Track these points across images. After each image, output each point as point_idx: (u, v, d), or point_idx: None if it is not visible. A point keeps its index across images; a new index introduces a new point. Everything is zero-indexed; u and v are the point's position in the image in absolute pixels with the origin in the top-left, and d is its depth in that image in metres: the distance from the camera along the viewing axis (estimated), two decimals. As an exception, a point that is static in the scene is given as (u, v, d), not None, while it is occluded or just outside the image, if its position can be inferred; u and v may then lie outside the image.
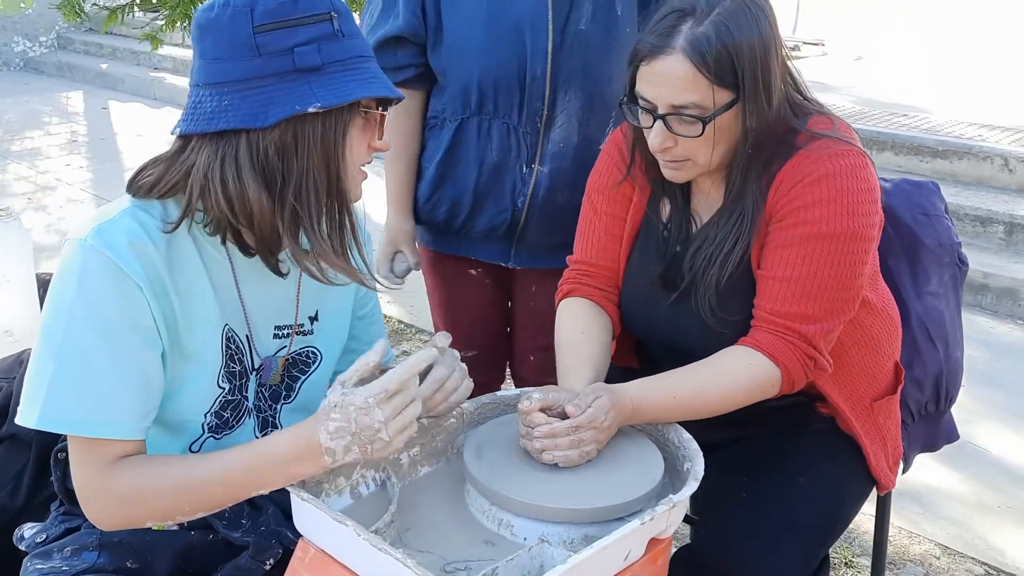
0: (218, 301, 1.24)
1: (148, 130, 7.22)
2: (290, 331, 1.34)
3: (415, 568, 1.01)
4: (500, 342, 2.16)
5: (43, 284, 2.43)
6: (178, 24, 3.77)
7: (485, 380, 1.99)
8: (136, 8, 4.08)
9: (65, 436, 1.21)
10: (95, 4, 4.40)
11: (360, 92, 1.15)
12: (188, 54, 8.55)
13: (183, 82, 8.29)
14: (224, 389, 1.27)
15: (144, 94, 8.60)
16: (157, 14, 4.08)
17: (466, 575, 1.15)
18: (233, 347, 1.27)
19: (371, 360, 1.15)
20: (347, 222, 1.23)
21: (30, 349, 1.20)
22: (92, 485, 1.15)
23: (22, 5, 4.01)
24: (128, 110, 8.06)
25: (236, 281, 1.26)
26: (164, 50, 6.54)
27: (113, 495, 1.14)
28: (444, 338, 1.28)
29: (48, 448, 1.38)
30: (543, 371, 2.00)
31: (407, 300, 3.86)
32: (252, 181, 1.14)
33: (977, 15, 9.80)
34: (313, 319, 1.37)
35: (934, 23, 9.52)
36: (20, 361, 1.51)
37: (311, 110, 1.12)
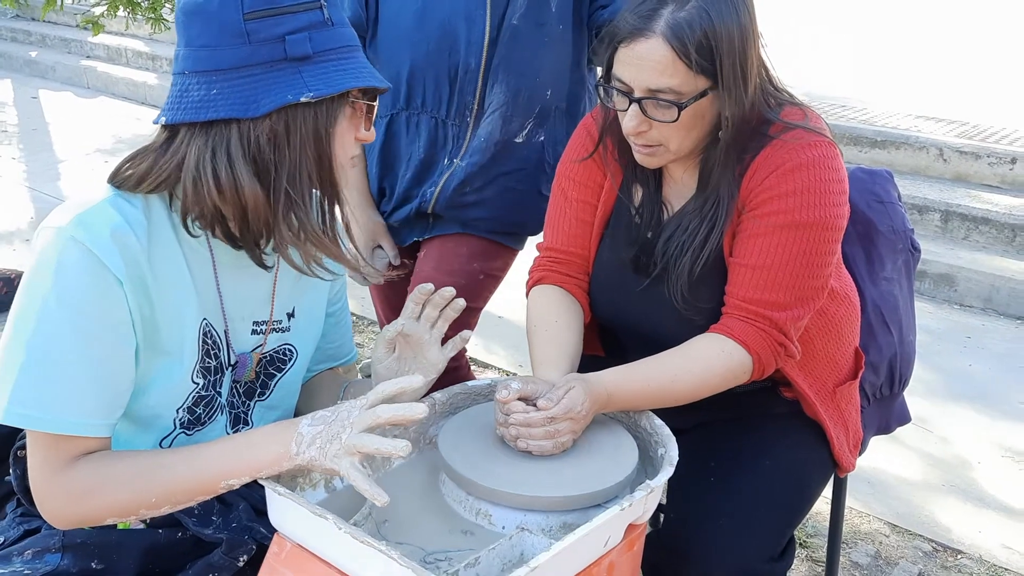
0: (197, 294, 1.21)
1: (81, 120, 7.01)
2: (267, 327, 1.32)
3: (400, 559, 1.00)
4: None
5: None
6: (119, 11, 3.66)
7: None
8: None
9: (24, 432, 1.17)
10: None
11: (351, 82, 1.14)
12: (121, 42, 8.38)
13: (116, 71, 8.05)
14: (198, 384, 1.24)
15: (76, 83, 8.33)
16: (96, 1, 3.96)
17: (447, 565, 1.14)
18: (210, 342, 1.24)
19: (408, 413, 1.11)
20: (336, 212, 1.22)
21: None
22: (48, 482, 1.11)
23: None
24: (60, 99, 7.80)
25: (216, 274, 1.24)
26: (97, 38, 6.33)
27: (69, 490, 1.11)
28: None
29: (0, 444, 1.33)
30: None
31: (358, 292, 3.81)
32: (245, 172, 1.12)
33: (911, 7, 10.03)
34: (290, 315, 1.35)
35: (868, 15, 9.72)
36: None
37: (303, 99, 1.11)
